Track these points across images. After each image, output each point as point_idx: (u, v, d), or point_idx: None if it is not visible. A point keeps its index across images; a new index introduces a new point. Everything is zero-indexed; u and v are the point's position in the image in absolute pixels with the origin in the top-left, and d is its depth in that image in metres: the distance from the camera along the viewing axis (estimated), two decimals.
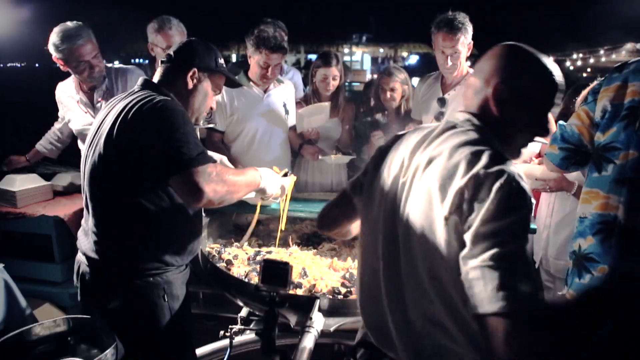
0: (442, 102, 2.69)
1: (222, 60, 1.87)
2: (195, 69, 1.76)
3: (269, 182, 1.91)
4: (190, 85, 1.77)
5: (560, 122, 1.88)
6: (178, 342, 1.76)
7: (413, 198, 1.22)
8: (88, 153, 1.69)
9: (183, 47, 1.81)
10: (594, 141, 1.68)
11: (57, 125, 3.07)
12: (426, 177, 1.20)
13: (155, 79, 1.79)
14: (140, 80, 1.77)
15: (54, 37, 2.51)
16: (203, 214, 2.21)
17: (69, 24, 2.55)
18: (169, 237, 1.69)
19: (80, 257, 1.75)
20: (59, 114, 2.90)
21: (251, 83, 2.85)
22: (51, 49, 2.53)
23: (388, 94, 3.07)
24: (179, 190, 1.57)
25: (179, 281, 1.75)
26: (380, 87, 3.13)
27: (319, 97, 3.11)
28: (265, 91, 2.90)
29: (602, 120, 1.64)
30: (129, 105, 1.60)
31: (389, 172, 1.33)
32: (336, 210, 1.60)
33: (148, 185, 1.60)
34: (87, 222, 1.72)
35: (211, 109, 1.95)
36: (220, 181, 1.57)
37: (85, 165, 1.70)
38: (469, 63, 2.76)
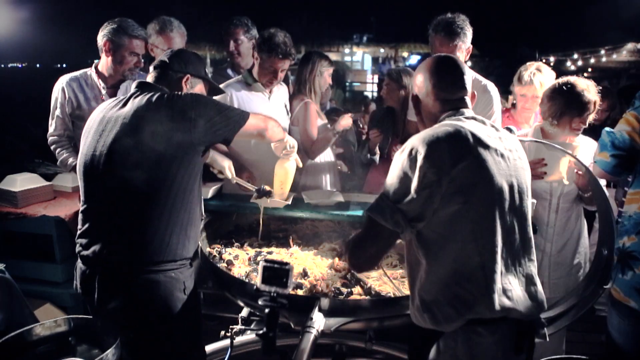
0: None
1: (207, 69, 2.05)
2: (189, 75, 1.91)
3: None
4: (185, 90, 1.90)
5: (607, 128, 1.88)
6: (194, 334, 1.85)
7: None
8: (98, 156, 1.71)
9: (178, 55, 1.94)
10: None
11: (65, 132, 2.78)
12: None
13: (150, 81, 1.88)
14: (135, 84, 1.85)
15: (130, 27, 2.63)
16: (203, 212, 2.22)
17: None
18: (187, 230, 1.78)
19: (86, 264, 1.75)
20: (58, 112, 2.72)
21: (258, 84, 2.88)
22: (123, 32, 2.61)
23: (387, 93, 3.14)
24: (248, 136, 2.01)
25: (192, 276, 1.85)
26: (383, 87, 3.21)
27: (317, 94, 3.14)
28: (270, 93, 2.94)
29: None
30: (150, 102, 1.71)
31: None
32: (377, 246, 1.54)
33: (178, 182, 1.71)
34: (97, 226, 1.74)
35: None
36: (264, 118, 2.07)
37: (97, 169, 1.71)
38: (469, 63, 2.72)
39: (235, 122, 1.85)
